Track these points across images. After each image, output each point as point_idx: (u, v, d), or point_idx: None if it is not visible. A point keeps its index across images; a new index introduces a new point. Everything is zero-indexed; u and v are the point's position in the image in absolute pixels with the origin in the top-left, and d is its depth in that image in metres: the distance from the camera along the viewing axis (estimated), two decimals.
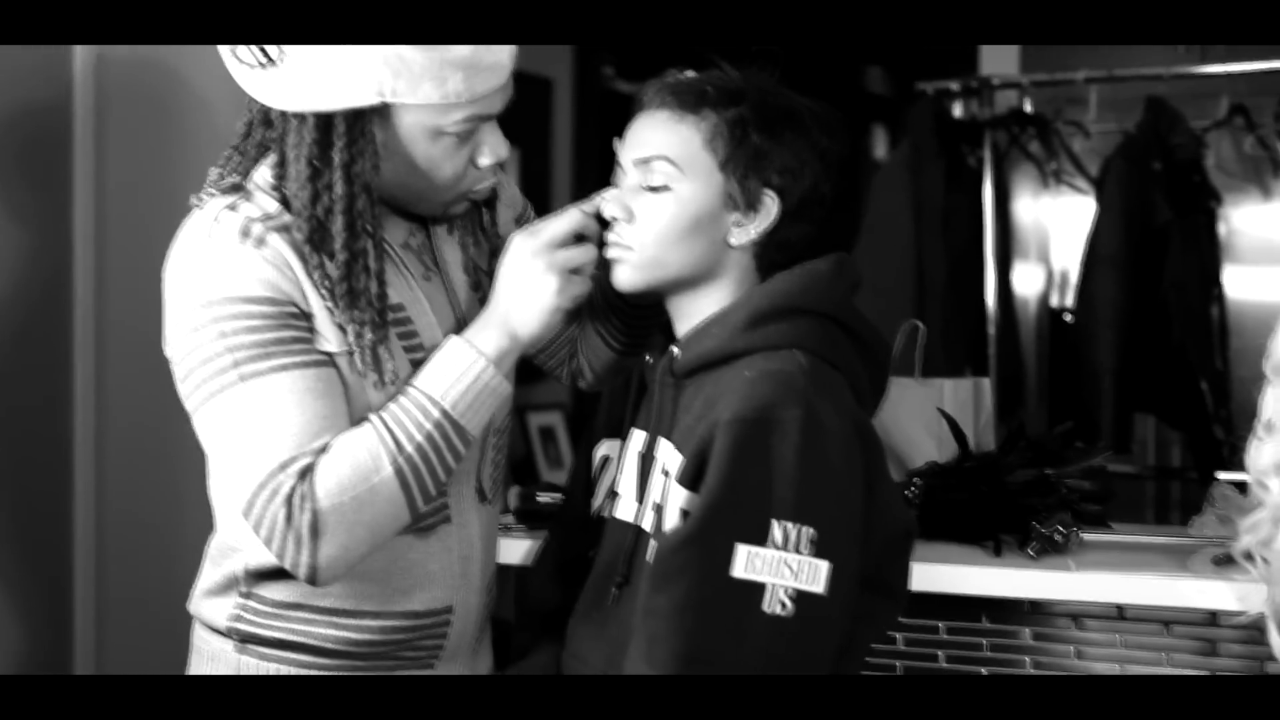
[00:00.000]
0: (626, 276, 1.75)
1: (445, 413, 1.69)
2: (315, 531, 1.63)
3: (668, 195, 1.72)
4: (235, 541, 1.78)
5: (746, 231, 1.74)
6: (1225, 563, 1.91)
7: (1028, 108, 4.07)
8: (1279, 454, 1.59)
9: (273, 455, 1.63)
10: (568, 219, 1.74)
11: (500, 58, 1.70)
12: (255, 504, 1.64)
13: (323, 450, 1.65)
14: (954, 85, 4.09)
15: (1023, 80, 4.05)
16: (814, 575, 1.59)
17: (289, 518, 1.62)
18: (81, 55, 2.98)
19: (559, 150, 5.19)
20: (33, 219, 2.90)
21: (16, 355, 2.85)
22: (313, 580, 1.66)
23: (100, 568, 2.97)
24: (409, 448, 1.67)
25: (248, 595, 1.77)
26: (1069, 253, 4.13)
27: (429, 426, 1.68)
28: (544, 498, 2.32)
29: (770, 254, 1.77)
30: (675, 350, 1.77)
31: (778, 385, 1.64)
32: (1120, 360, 3.73)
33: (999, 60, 4.44)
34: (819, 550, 1.59)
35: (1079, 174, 4.05)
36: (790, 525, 1.59)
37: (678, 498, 1.67)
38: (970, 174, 4.02)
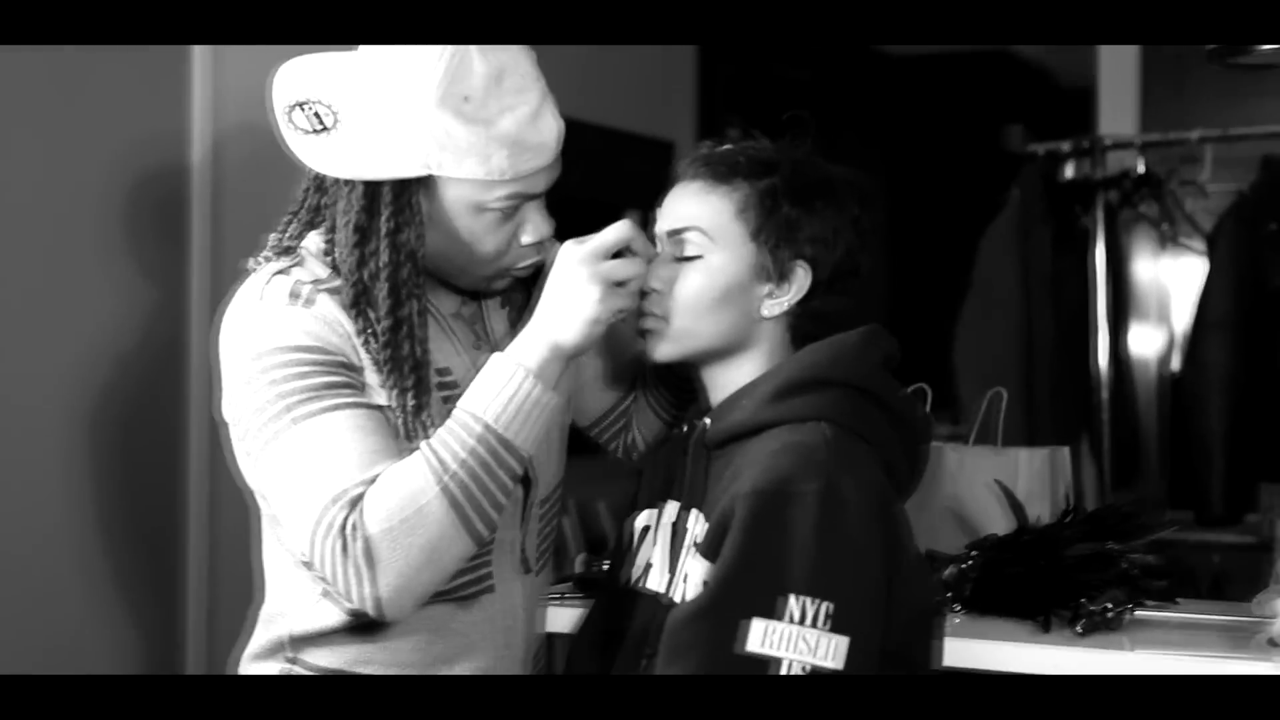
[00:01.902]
0: (659, 348, 1.76)
1: (488, 427, 1.66)
2: (371, 560, 1.62)
3: (699, 265, 1.73)
4: (282, 606, 1.81)
5: (779, 303, 1.74)
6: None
7: (1141, 168, 4.00)
8: None
9: (325, 490, 1.64)
10: (615, 231, 1.72)
11: (546, 138, 1.73)
12: (315, 542, 1.64)
13: (373, 481, 1.65)
14: (1065, 146, 4.04)
15: (1135, 140, 3.99)
16: (831, 651, 1.57)
17: (345, 549, 1.62)
18: (199, 117, 3.10)
19: None
20: (153, 275, 3.03)
21: (137, 404, 2.97)
22: (380, 614, 1.65)
23: (212, 605, 3.07)
24: (454, 465, 1.65)
25: (293, 660, 1.80)
26: (1184, 315, 4.05)
27: (473, 442, 1.66)
28: (606, 566, 2.32)
29: (803, 325, 1.76)
30: (706, 421, 1.78)
31: (799, 458, 1.63)
32: (1232, 427, 3.64)
33: (1118, 118, 4.38)
34: (837, 625, 1.57)
35: (1195, 234, 3.97)
36: (808, 600, 1.57)
37: (699, 569, 1.67)
38: (1081, 236, 3.96)
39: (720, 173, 1.74)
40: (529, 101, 1.71)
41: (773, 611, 1.57)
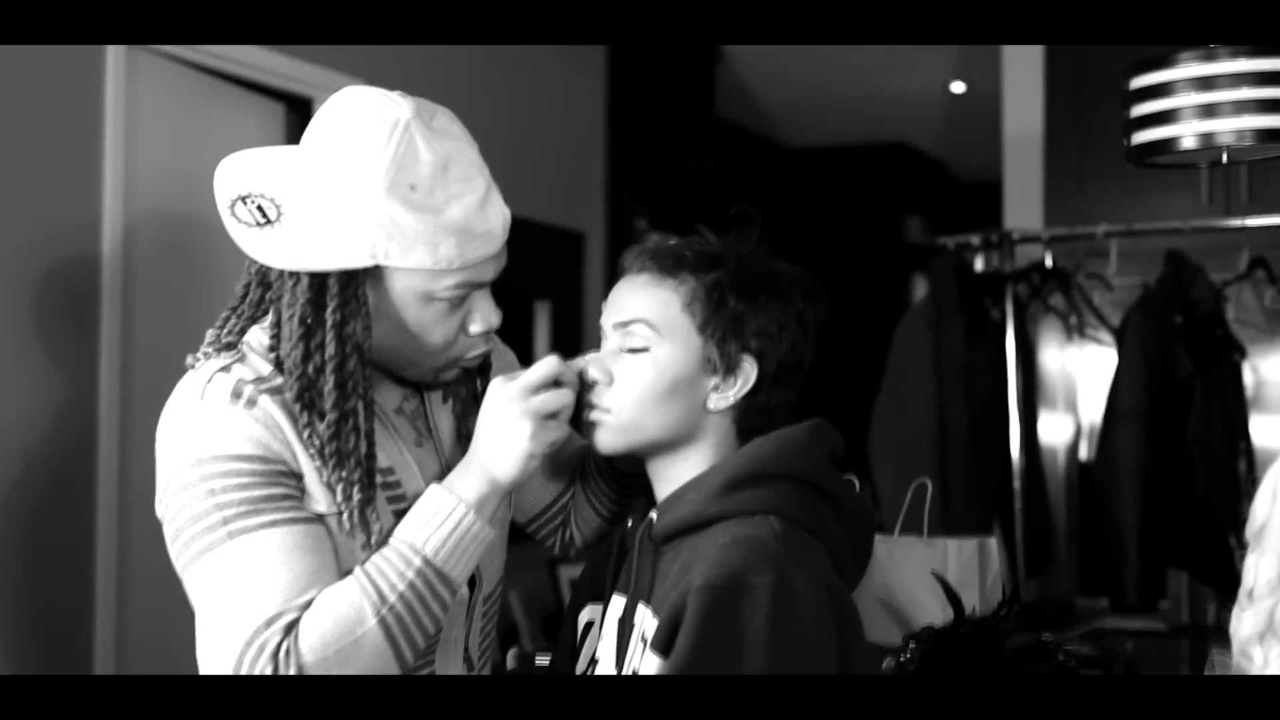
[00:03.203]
0: (606, 439, 1.76)
1: (427, 560, 1.68)
2: None
3: (646, 358, 1.73)
4: None
5: (725, 396, 1.74)
6: None
7: (1049, 261, 4.07)
8: (1260, 623, 1.56)
9: (259, 611, 1.62)
10: (545, 366, 1.74)
11: (493, 225, 1.72)
12: (243, 661, 1.62)
13: (308, 605, 1.64)
14: (974, 239, 4.11)
15: (1043, 234, 4.07)
16: None
17: (275, 673, 1.61)
18: (110, 213, 3.06)
19: (591, 301, 5.23)
20: (65, 367, 2.98)
21: (46, 496, 2.92)
22: None
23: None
24: (392, 598, 1.66)
25: None
26: (1094, 405, 4.12)
27: (411, 575, 1.67)
28: (543, 659, 2.30)
29: (749, 419, 1.77)
30: (653, 515, 1.77)
31: (750, 551, 1.63)
32: (1144, 516, 3.69)
33: (1023, 211, 4.47)
34: None
35: (1102, 326, 4.05)
36: None
37: (650, 665, 1.65)
38: (993, 327, 4.02)
39: (667, 266, 1.75)
40: (476, 189, 1.71)
41: None
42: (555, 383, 1.75)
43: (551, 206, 4.82)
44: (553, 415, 1.73)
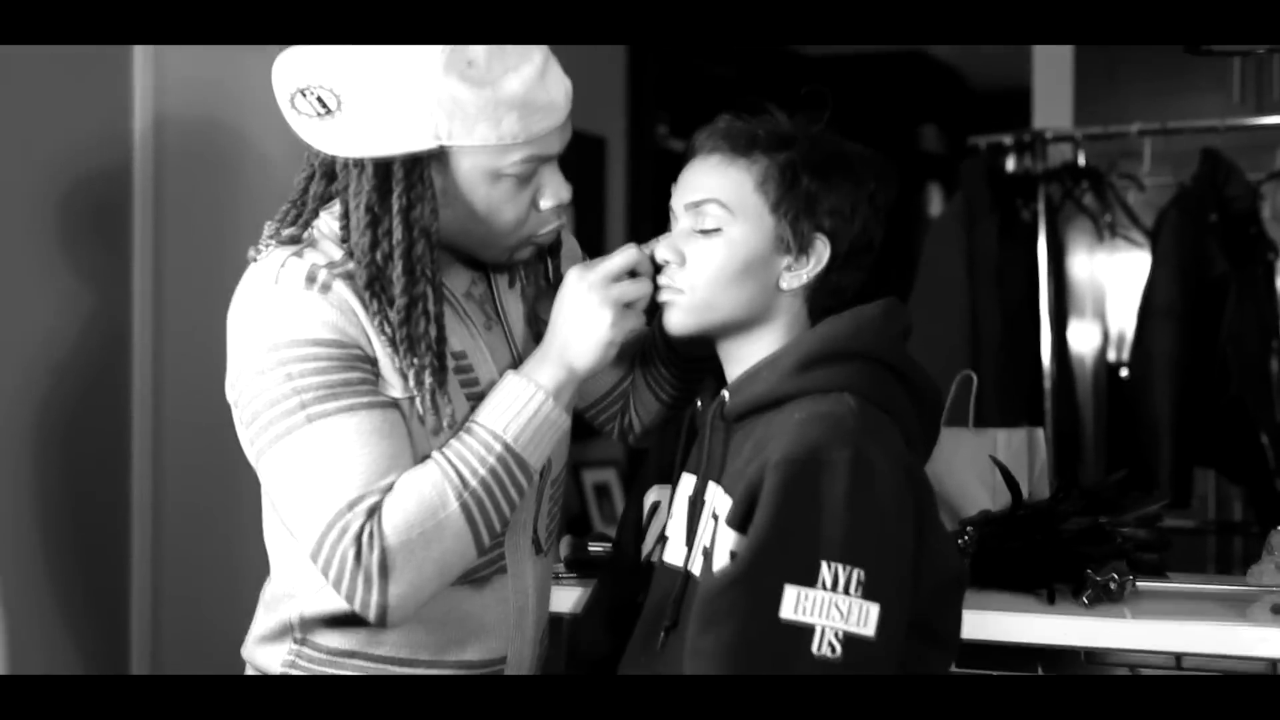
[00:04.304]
0: (678, 320, 1.76)
1: (508, 446, 1.70)
2: (384, 570, 1.63)
3: (719, 238, 1.73)
4: (290, 588, 1.79)
5: (798, 275, 1.74)
6: None
7: (1081, 161, 4.05)
8: None
9: (341, 494, 1.64)
10: (623, 255, 1.75)
11: (555, 97, 1.71)
12: (324, 544, 1.64)
13: (389, 489, 1.65)
14: (1007, 139, 4.09)
15: (1076, 134, 4.05)
16: (864, 617, 1.58)
17: (358, 556, 1.62)
18: (140, 117, 3.03)
19: (613, 209, 5.22)
20: (94, 280, 2.95)
21: (78, 411, 2.90)
22: (382, 621, 1.66)
23: (156, 613, 3.01)
24: (474, 482, 1.67)
25: (302, 642, 1.78)
26: (1125, 306, 4.11)
27: (492, 460, 1.69)
28: (595, 547, 2.31)
29: (821, 299, 1.77)
30: (725, 394, 1.78)
31: (827, 427, 1.64)
32: (1178, 414, 3.70)
33: (1052, 114, 4.44)
34: (868, 592, 1.58)
35: (1134, 227, 4.03)
36: (840, 566, 1.58)
37: (726, 540, 1.67)
38: (1024, 228, 4.01)
39: (739, 146, 1.74)
40: (533, 61, 1.69)
41: (807, 578, 1.57)
42: (631, 272, 1.75)
43: (573, 111, 4.77)
44: (630, 304, 1.74)
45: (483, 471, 1.68)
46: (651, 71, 5.43)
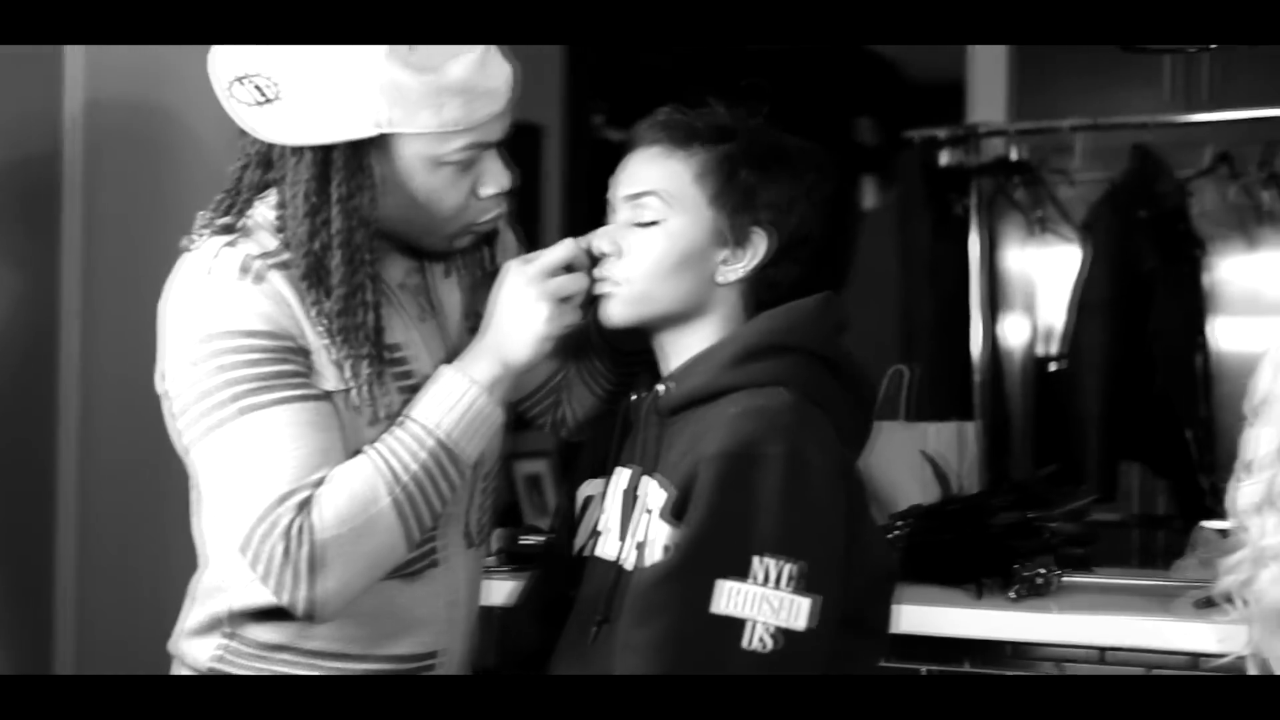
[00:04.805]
0: (615, 312, 1.76)
1: (440, 442, 1.69)
2: (313, 565, 1.62)
3: (657, 230, 1.73)
4: (221, 581, 1.77)
5: (735, 269, 1.75)
6: (1207, 605, 1.91)
7: (1014, 156, 4.09)
8: (1259, 495, 1.60)
9: (272, 488, 1.62)
10: (560, 249, 1.75)
11: (497, 83, 1.71)
12: (254, 539, 1.62)
13: (321, 483, 1.64)
14: (941, 134, 4.11)
15: (1009, 128, 4.08)
16: (796, 612, 1.59)
17: (287, 551, 1.61)
18: (70, 99, 2.99)
19: (549, 197, 5.21)
20: (21, 268, 2.91)
21: (2, 401, 2.86)
22: (310, 616, 1.65)
23: (82, 608, 2.97)
24: (405, 477, 1.66)
25: (231, 636, 1.76)
26: (1055, 301, 4.15)
27: (425, 455, 1.68)
28: (528, 539, 2.32)
29: (758, 292, 1.77)
30: (661, 387, 1.78)
31: (762, 421, 1.64)
32: (1106, 407, 3.74)
33: (987, 108, 4.47)
34: (801, 587, 1.59)
35: (1065, 222, 4.07)
36: (772, 561, 1.59)
37: (660, 534, 1.67)
38: (957, 222, 4.03)
39: (679, 138, 1.75)
40: (475, 47, 1.69)
41: (740, 573, 1.58)
42: (569, 266, 1.75)
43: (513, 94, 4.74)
44: (567, 299, 1.74)
45: (415, 467, 1.67)
46: (589, 61, 5.42)
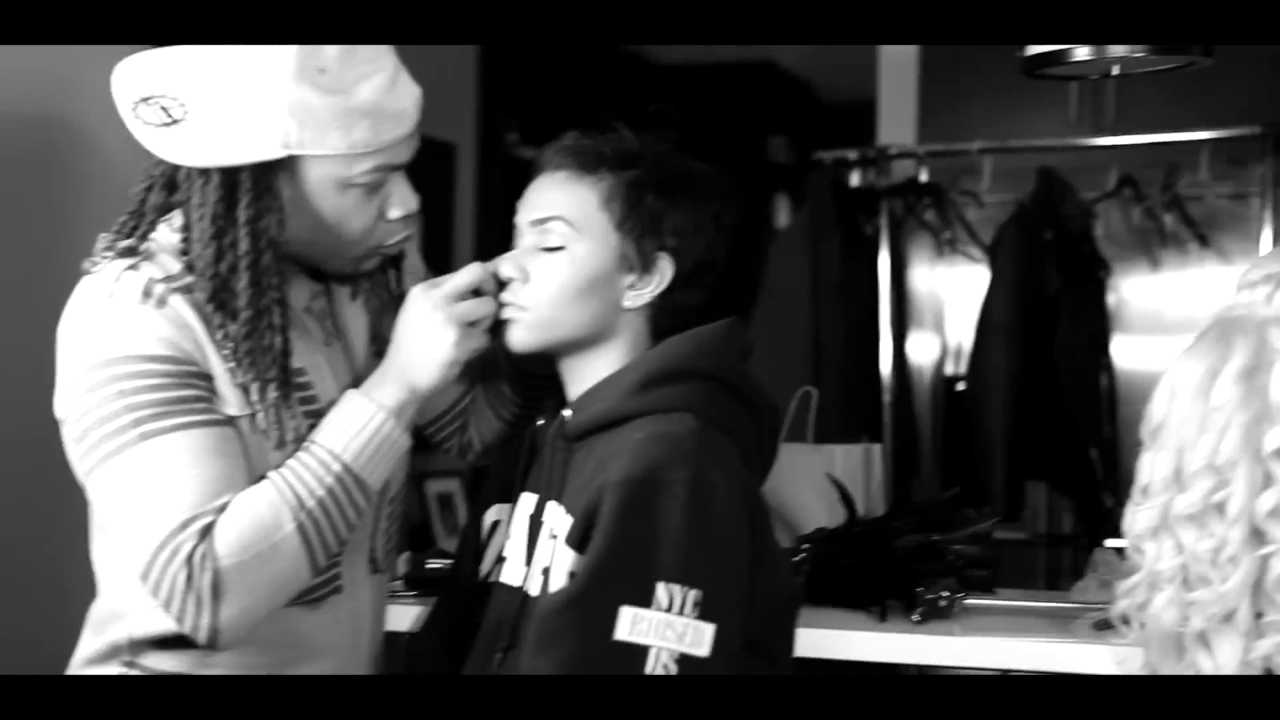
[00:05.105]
0: (520, 337, 1.76)
1: (346, 467, 1.68)
2: (217, 592, 1.60)
3: (563, 255, 1.74)
4: (120, 609, 1.74)
5: (641, 294, 1.75)
6: (1105, 627, 1.93)
7: (923, 177, 4.13)
8: (1154, 519, 1.62)
9: (173, 514, 1.60)
10: (467, 274, 1.74)
11: (406, 105, 1.71)
12: (155, 566, 1.60)
13: (223, 509, 1.62)
14: (851, 154, 4.15)
15: (918, 150, 4.12)
16: (698, 638, 1.59)
17: (190, 578, 1.59)
18: None
19: (461, 216, 5.19)
20: None
21: None
22: (213, 644, 1.63)
23: None
24: (310, 502, 1.65)
25: (131, 664, 1.74)
26: (963, 321, 4.19)
27: (330, 480, 1.67)
28: (435, 564, 2.30)
29: (664, 318, 1.78)
30: (566, 413, 1.78)
31: (666, 447, 1.65)
32: (1011, 427, 3.78)
33: (897, 130, 4.51)
34: (704, 613, 1.59)
35: (973, 243, 4.11)
36: (676, 588, 1.59)
37: (565, 560, 1.67)
38: (867, 243, 4.06)
39: (586, 163, 1.75)
40: (384, 68, 1.69)
41: (643, 600, 1.58)
42: (476, 290, 1.75)
43: (421, 117, 4.73)
44: (474, 323, 1.73)
45: (320, 491, 1.66)
46: (503, 79, 5.42)
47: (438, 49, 4.87)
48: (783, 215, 7.25)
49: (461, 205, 5.18)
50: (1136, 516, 1.64)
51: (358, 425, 1.70)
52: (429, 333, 1.71)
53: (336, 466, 1.67)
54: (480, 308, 1.74)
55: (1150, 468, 1.62)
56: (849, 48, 5.96)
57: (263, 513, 1.63)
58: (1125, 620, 1.64)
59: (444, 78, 5.00)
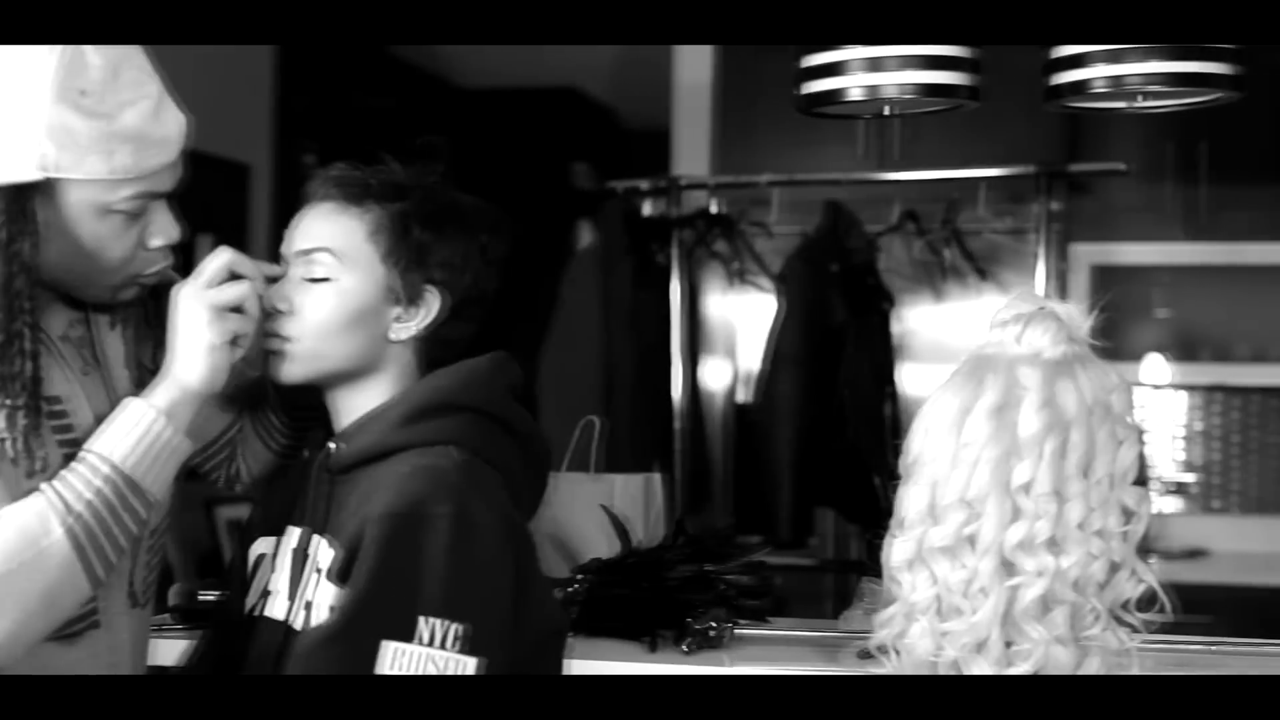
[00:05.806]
0: (287, 369, 1.74)
1: (115, 467, 1.63)
2: None
3: (329, 287, 1.72)
4: None
5: (408, 327, 1.75)
6: (868, 656, 1.97)
7: (714, 208, 4.18)
8: (910, 551, 1.66)
9: None
10: (217, 259, 1.71)
11: (170, 132, 1.68)
12: None
13: None
14: (643, 184, 4.18)
15: (710, 181, 4.17)
16: (462, 673, 1.59)
17: None
18: None
19: (256, 238, 5.11)
20: None
21: None
22: None
23: None
24: (79, 506, 1.60)
25: None
26: (754, 349, 4.25)
27: (98, 483, 1.62)
28: (206, 596, 2.26)
29: (431, 350, 1.78)
30: (332, 445, 1.76)
31: (430, 481, 1.65)
32: (798, 455, 3.84)
33: (692, 160, 4.57)
34: (467, 647, 1.59)
35: (762, 273, 4.18)
36: (439, 622, 1.59)
37: (327, 594, 1.66)
38: (659, 271, 4.10)
39: (352, 194, 1.74)
40: (149, 95, 1.66)
41: (404, 635, 1.58)
42: (235, 276, 1.72)
43: (212, 136, 4.66)
44: (236, 310, 1.70)
45: (89, 494, 1.61)
46: (300, 99, 5.36)
47: (232, 66, 4.83)
48: (585, 241, 7.28)
49: (255, 227, 5.10)
50: (893, 548, 1.68)
51: (127, 426, 1.65)
52: (188, 322, 1.68)
53: (105, 468, 1.63)
54: (233, 291, 1.70)
55: (906, 501, 1.67)
56: (650, 75, 6.04)
57: (29, 521, 1.58)
58: (884, 650, 1.68)
59: (238, 96, 4.92)
